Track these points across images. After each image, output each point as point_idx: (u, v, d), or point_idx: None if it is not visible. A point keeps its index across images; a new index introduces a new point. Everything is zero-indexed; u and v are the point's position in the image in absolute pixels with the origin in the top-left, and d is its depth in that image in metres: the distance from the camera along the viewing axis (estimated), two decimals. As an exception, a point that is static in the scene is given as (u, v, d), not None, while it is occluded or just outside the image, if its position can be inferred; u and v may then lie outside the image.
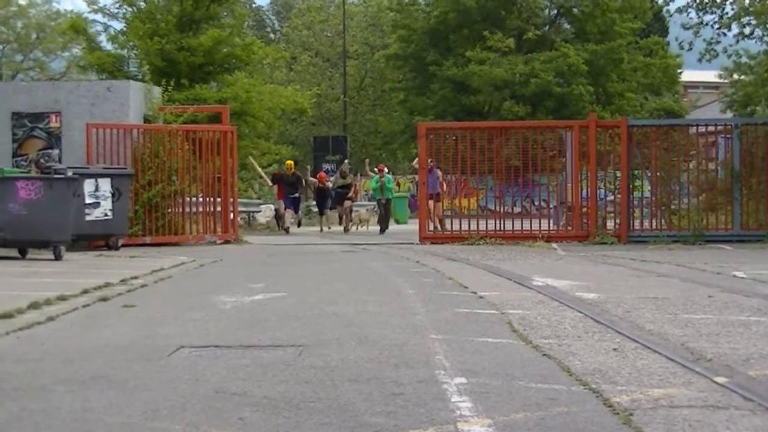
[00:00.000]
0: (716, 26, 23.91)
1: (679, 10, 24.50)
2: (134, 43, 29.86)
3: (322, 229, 27.76)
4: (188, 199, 19.33)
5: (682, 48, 25.82)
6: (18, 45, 56.06)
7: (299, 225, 28.67)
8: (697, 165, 20.45)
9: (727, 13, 23.71)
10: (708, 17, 23.95)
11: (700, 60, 25.68)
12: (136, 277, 11.42)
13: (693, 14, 24.38)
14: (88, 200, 16.76)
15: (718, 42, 24.47)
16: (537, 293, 9.94)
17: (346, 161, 30.47)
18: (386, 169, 27.83)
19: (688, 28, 24.21)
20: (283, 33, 60.90)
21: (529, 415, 4.60)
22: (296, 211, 27.73)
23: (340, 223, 28.42)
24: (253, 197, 32.93)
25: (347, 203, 27.51)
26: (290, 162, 28.39)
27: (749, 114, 25.86)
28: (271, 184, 29.78)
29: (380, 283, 11.27)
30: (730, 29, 23.84)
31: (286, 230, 26.00)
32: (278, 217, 28.37)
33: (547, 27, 48.64)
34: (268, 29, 67.62)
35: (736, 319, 7.81)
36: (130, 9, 31.80)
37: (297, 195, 27.29)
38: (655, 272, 12.57)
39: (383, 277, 12.17)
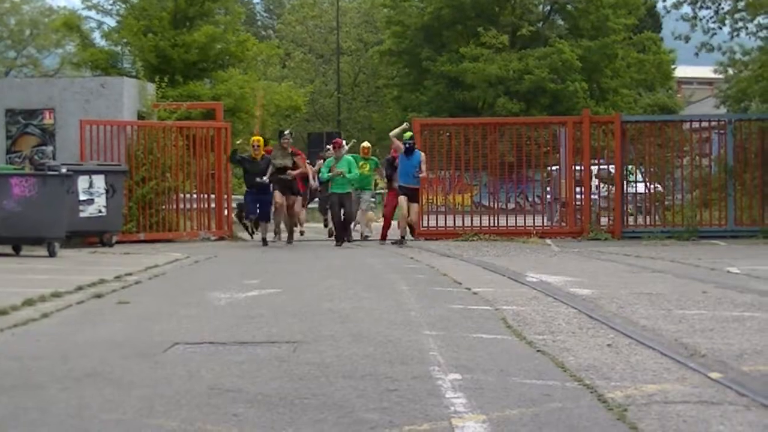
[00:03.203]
0: (712, 20, 23.89)
1: (675, 6, 24.47)
2: (128, 39, 29.83)
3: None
4: (182, 195, 19.30)
5: (678, 38, 25.75)
6: (11, 41, 55.85)
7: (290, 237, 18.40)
8: (691, 161, 20.47)
9: (723, 8, 23.70)
10: (704, 12, 23.95)
11: (696, 54, 25.64)
12: (130, 274, 11.41)
13: (687, 9, 24.37)
14: (82, 197, 16.73)
15: (715, 34, 24.47)
16: (531, 289, 9.95)
17: (287, 131, 19.10)
18: (345, 146, 18.71)
19: (687, 20, 24.18)
20: (276, 29, 60.80)
21: (523, 411, 4.61)
22: (265, 218, 18.16)
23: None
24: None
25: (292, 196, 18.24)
26: (258, 138, 18.68)
27: (743, 110, 25.80)
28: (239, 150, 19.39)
29: (375, 280, 11.27)
30: (724, 24, 23.82)
31: (263, 241, 17.89)
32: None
33: (541, 23, 48.56)
34: (259, 24, 67.48)
35: (730, 315, 7.83)
36: (123, 6, 31.85)
37: (267, 185, 17.79)
38: (649, 268, 12.59)
39: (378, 274, 12.18)
